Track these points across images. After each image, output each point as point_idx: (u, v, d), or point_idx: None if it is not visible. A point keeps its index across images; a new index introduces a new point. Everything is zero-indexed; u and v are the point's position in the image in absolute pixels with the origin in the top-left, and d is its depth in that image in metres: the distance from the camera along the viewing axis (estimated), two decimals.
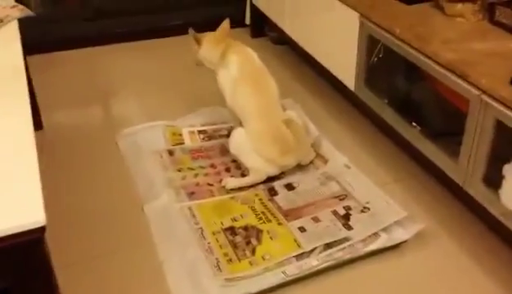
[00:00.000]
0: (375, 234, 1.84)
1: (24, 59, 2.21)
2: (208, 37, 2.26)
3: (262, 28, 3.34)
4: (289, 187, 2.10)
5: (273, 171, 2.09)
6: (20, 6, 2.03)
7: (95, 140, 2.40)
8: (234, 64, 2.18)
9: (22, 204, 1.09)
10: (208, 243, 1.82)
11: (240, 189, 2.08)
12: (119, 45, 3.25)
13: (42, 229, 1.07)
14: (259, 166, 2.07)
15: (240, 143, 2.13)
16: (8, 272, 1.08)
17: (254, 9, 3.26)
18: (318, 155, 2.26)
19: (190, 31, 2.28)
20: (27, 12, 2.01)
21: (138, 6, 3.38)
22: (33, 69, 2.45)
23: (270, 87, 2.17)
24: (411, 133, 2.01)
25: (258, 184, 2.10)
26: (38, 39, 3.05)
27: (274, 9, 2.99)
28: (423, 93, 2.12)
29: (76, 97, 2.76)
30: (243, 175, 2.15)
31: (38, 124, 2.46)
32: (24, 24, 2.02)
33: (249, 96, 2.12)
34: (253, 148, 2.08)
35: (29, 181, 1.14)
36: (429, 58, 1.79)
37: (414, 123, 1.99)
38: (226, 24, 2.28)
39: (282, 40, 3.12)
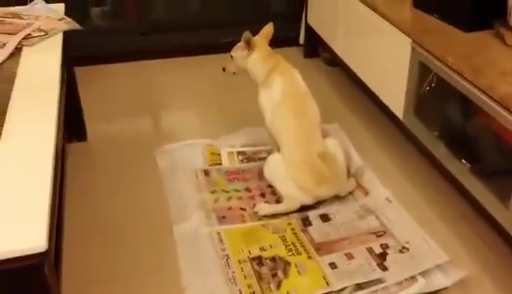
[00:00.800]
0: (412, 278, 1.70)
1: (70, 70, 2.27)
2: (261, 47, 2.13)
3: (316, 49, 3.26)
4: (325, 218, 1.99)
5: (308, 201, 1.99)
6: (68, 19, 2.06)
7: (135, 155, 2.39)
8: (278, 86, 2.08)
9: (26, 228, 1.06)
10: (233, 272, 1.74)
11: (273, 216, 2.00)
12: (171, 60, 3.26)
13: (43, 255, 1.03)
14: (294, 194, 1.98)
15: (275, 169, 2.05)
16: None
17: (309, 29, 3.18)
18: (359, 186, 2.14)
19: (246, 33, 2.10)
20: (73, 25, 2.04)
21: (193, 22, 3.39)
22: (84, 81, 2.50)
23: (311, 114, 2.08)
24: (460, 170, 1.85)
25: (291, 212, 2.00)
26: (92, 51, 3.12)
27: (327, 30, 2.90)
28: (476, 128, 1.96)
29: (123, 110, 2.78)
30: (277, 201, 2.06)
31: (82, 135, 2.49)
32: (79, 34, 2.06)
33: (288, 121, 2.04)
34: (288, 175, 1.99)
35: (37, 205, 1.11)
36: (483, 92, 1.64)
37: (464, 160, 1.83)
38: (269, 27, 2.18)
39: (335, 61, 3.02)
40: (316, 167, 1.96)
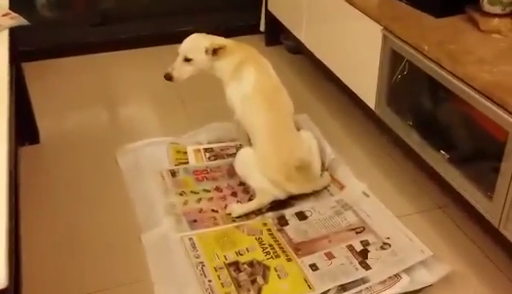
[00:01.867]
0: (396, 276, 1.64)
1: (17, 67, 2.08)
2: (229, 46, 1.98)
3: (278, 36, 3.15)
4: (301, 216, 1.91)
5: (280, 195, 1.91)
6: (13, 14, 1.87)
7: (94, 157, 2.24)
8: (248, 77, 1.96)
9: None
10: (209, 281, 1.63)
11: (247, 216, 1.90)
12: (124, 52, 3.08)
13: (2, 292, 0.90)
14: (266, 187, 1.89)
15: (246, 163, 1.95)
16: None
17: (270, 16, 3.07)
18: (334, 180, 2.07)
19: (212, 44, 1.96)
20: (20, 21, 1.85)
21: (147, 11, 3.22)
22: (33, 77, 2.31)
23: (284, 105, 1.99)
24: (437, 159, 1.81)
25: (266, 211, 1.91)
26: (40, 44, 2.92)
27: (290, 17, 2.80)
28: (451, 115, 1.92)
29: (77, 108, 2.61)
30: (250, 200, 1.96)
31: (34, 137, 2.31)
32: (26, 28, 1.88)
33: (260, 114, 1.94)
34: (259, 168, 1.90)
35: None
36: (463, 81, 1.58)
37: (442, 151, 1.79)
38: None
39: (298, 49, 2.93)
40: (288, 163, 1.88)
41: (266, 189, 1.91)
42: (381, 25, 1.94)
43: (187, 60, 2.00)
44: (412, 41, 1.79)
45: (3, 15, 1.86)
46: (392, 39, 1.89)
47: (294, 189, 1.92)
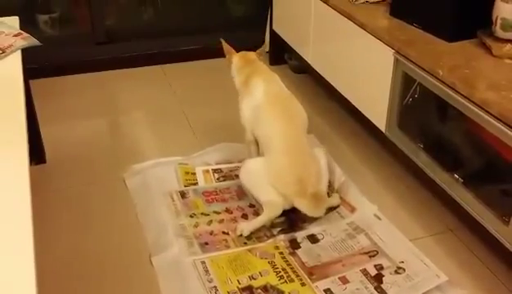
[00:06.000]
0: None
1: (28, 86, 2.06)
2: (238, 56, 2.13)
3: (282, 56, 3.16)
4: (313, 239, 1.89)
5: (289, 205, 1.89)
6: (25, 35, 1.86)
7: (101, 177, 2.22)
8: (258, 88, 1.98)
9: None
10: None
11: (259, 238, 1.88)
12: (131, 70, 3.08)
13: None
14: (274, 198, 1.86)
15: (255, 173, 1.91)
16: None
17: (274, 35, 3.08)
18: (344, 202, 2.06)
19: (223, 42, 2.15)
20: (32, 41, 1.85)
21: (153, 29, 3.22)
22: (39, 95, 2.28)
23: (299, 116, 1.97)
24: (450, 182, 1.80)
25: (278, 233, 1.90)
26: (45, 63, 2.91)
27: (297, 37, 2.81)
28: (463, 138, 1.92)
29: (82, 127, 2.59)
30: None
31: (40, 157, 2.29)
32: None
33: (275, 122, 1.92)
34: (269, 179, 1.87)
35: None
36: (479, 106, 1.58)
37: (456, 175, 1.78)
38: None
39: (303, 69, 2.94)
40: (303, 177, 1.85)
41: (274, 202, 1.87)
42: (393, 49, 1.95)
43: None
44: (426, 65, 1.79)
45: (15, 36, 1.85)
46: (405, 63, 1.90)
47: (303, 208, 1.88)
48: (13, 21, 1.97)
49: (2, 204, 1.08)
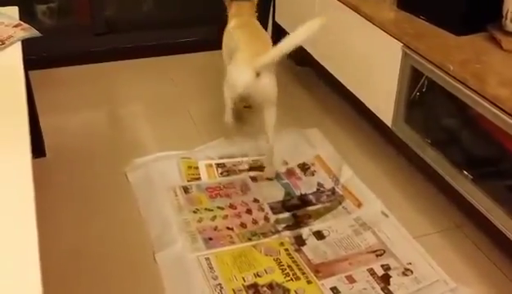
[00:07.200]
0: None
1: (27, 77, 2.01)
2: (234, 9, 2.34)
3: None
4: (319, 235, 1.87)
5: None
6: (25, 26, 1.81)
7: (102, 171, 2.18)
8: (232, 23, 2.27)
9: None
10: None
11: (264, 234, 1.85)
12: (131, 61, 3.02)
13: None
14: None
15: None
16: None
17: (277, 27, 3.03)
18: (351, 196, 2.03)
19: None
20: (32, 32, 1.80)
21: (153, 20, 3.16)
22: (37, 87, 2.22)
23: (265, 38, 2.21)
24: (457, 178, 1.77)
25: (283, 230, 1.87)
26: (43, 53, 2.85)
27: None
28: (472, 133, 1.89)
29: (82, 119, 2.54)
30: (266, 217, 1.92)
31: (40, 151, 2.24)
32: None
33: (242, 37, 2.11)
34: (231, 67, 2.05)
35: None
36: (491, 102, 1.55)
37: (465, 171, 1.76)
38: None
39: (305, 61, 2.90)
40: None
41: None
42: (401, 42, 1.91)
43: None
44: (436, 59, 1.76)
45: (15, 26, 1.80)
46: (413, 57, 1.87)
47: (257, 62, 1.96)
48: (13, 11, 1.92)
49: (4, 199, 1.04)
